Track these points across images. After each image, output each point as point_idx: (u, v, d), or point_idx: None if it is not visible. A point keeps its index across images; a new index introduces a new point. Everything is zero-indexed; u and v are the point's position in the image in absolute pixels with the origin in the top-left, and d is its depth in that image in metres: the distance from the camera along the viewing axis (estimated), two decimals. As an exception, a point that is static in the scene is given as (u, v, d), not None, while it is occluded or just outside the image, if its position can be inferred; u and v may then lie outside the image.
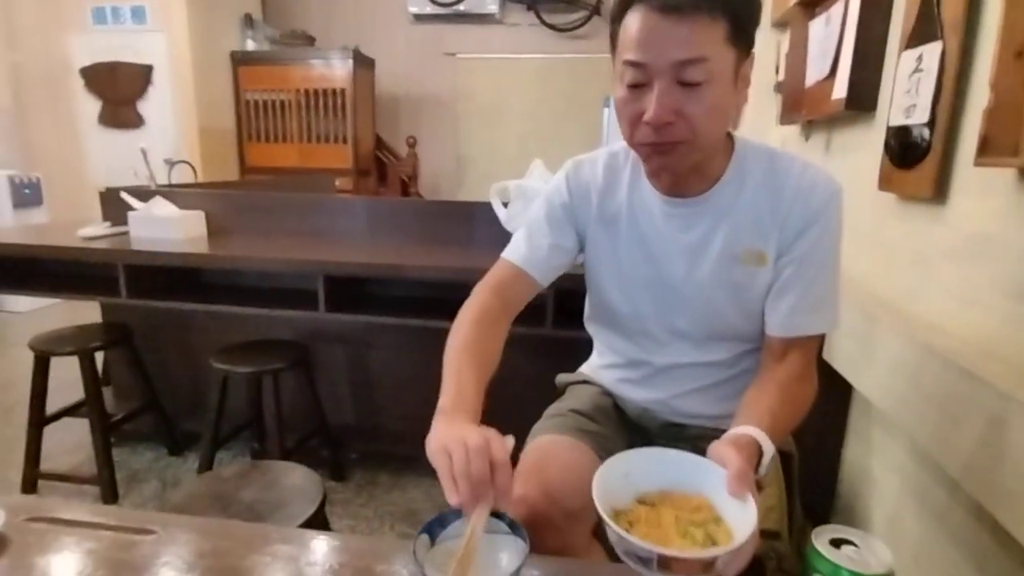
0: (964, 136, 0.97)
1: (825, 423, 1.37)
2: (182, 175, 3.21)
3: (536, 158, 2.03)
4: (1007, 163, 0.83)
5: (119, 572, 0.64)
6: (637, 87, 0.76)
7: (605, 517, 0.56)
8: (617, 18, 0.78)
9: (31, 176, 4.24)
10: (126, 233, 2.19)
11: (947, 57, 1.00)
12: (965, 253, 0.95)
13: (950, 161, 0.99)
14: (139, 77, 4.68)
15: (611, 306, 0.99)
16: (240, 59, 5.05)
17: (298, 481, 1.17)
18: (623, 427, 1.04)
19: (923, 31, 1.08)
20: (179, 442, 2.35)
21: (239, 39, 5.17)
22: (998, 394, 0.73)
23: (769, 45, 2.12)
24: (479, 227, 2.11)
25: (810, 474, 1.04)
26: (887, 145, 1.18)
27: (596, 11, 5.26)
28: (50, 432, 2.07)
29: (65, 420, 2.13)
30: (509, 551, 0.61)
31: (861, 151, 1.35)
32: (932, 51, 1.04)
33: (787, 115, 1.85)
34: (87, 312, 2.42)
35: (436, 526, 0.63)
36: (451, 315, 0.89)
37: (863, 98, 1.31)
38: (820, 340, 0.90)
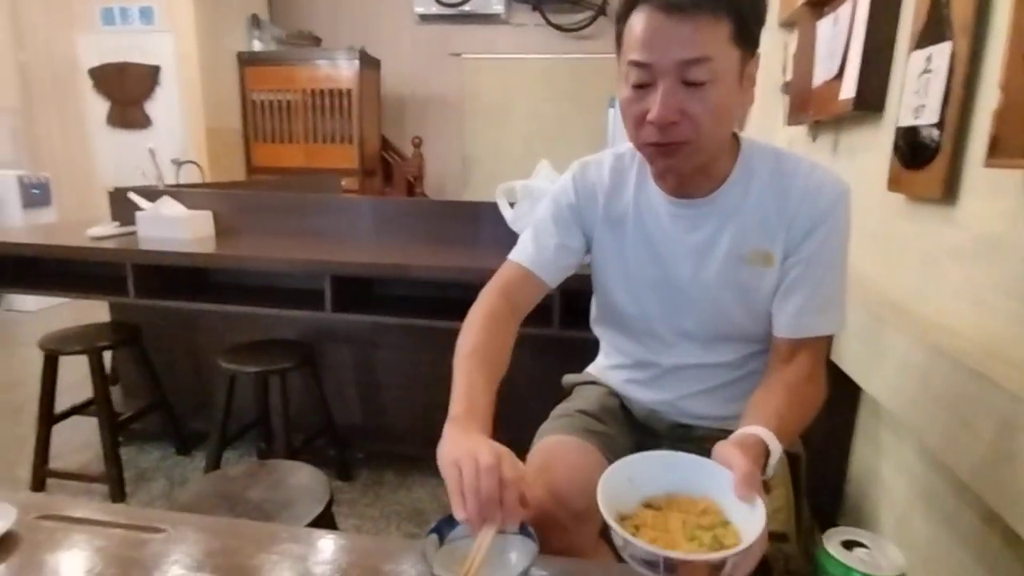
0: (974, 137, 0.96)
1: (833, 424, 1.37)
2: (189, 175, 3.23)
3: (542, 158, 2.03)
4: (1018, 164, 0.82)
5: (129, 570, 0.64)
6: (642, 87, 0.76)
7: (611, 521, 0.55)
8: (622, 19, 0.78)
9: (40, 176, 4.28)
10: (134, 233, 2.21)
11: (957, 58, 0.99)
12: (975, 254, 0.95)
13: (960, 162, 0.99)
14: (147, 78, 4.71)
15: (618, 307, 0.99)
16: (247, 59, 5.07)
17: (305, 481, 1.17)
18: (630, 428, 1.03)
19: (933, 31, 1.08)
20: (186, 441, 2.36)
21: (246, 40, 5.20)
22: (1009, 396, 0.72)
23: (776, 45, 2.12)
24: (485, 227, 2.11)
25: (818, 475, 1.04)
26: (896, 146, 1.17)
27: (602, 11, 5.26)
28: (59, 430, 2.08)
29: (74, 419, 2.15)
30: (518, 551, 0.61)
31: (869, 152, 1.34)
32: (942, 52, 1.04)
33: (794, 116, 1.84)
34: (95, 311, 2.43)
35: (445, 526, 0.63)
36: (457, 315, 0.89)
37: (872, 98, 1.31)
38: (828, 341, 0.89)
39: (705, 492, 0.63)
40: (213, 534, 0.71)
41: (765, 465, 0.66)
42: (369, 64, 5.16)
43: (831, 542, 0.55)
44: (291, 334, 2.16)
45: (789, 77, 1.94)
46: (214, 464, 1.97)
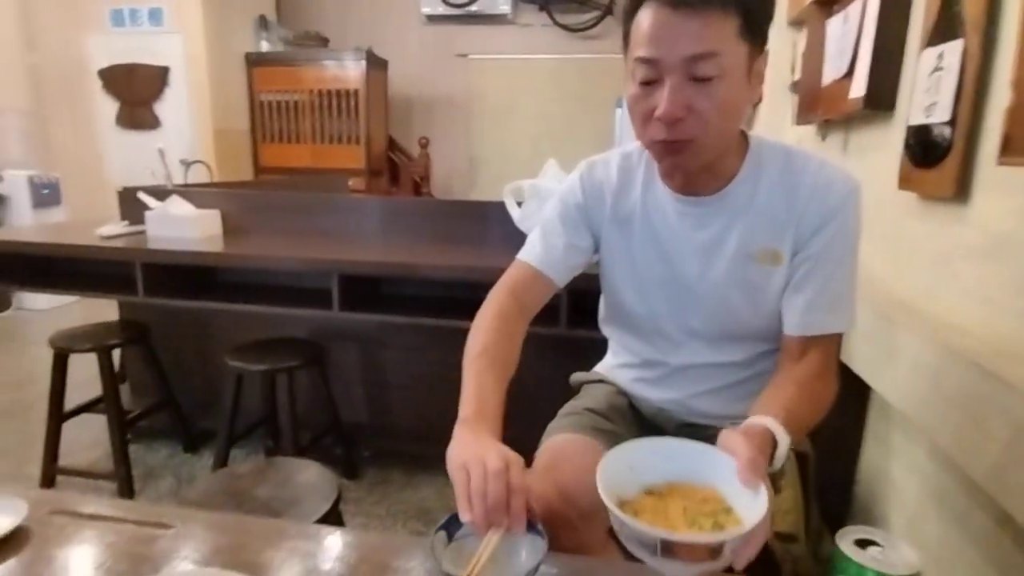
0: (986, 135, 0.95)
1: (842, 425, 1.36)
2: (198, 175, 3.25)
3: (549, 158, 2.03)
4: (1031, 162, 0.82)
5: (138, 565, 0.65)
6: (649, 84, 0.76)
7: (608, 503, 0.54)
8: (629, 15, 0.77)
9: (50, 176, 4.31)
10: (143, 232, 2.22)
11: (968, 55, 0.99)
12: (987, 253, 0.94)
13: (972, 160, 0.98)
14: (156, 78, 4.74)
15: (626, 306, 0.98)
16: (254, 60, 5.10)
17: (313, 478, 1.17)
18: (638, 426, 1.03)
19: (944, 29, 1.07)
20: (194, 439, 2.37)
21: (253, 40, 5.22)
22: (1022, 396, 0.72)
23: (785, 44, 2.11)
24: (492, 227, 2.11)
25: (826, 476, 1.03)
26: (907, 144, 1.16)
27: (608, 11, 5.25)
28: (68, 428, 2.10)
29: (83, 416, 2.16)
30: (528, 548, 0.61)
31: (880, 150, 1.33)
32: (953, 49, 1.03)
33: (803, 115, 1.83)
34: (104, 310, 2.45)
35: (453, 524, 0.63)
36: (464, 314, 0.89)
37: (882, 97, 1.30)
38: (838, 340, 0.89)
39: (708, 480, 0.61)
40: (222, 530, 0.71)
41: (772, 456, 0.65)
42: (376, 65, 5.18)
43: (844, 541, 0.54)
44: (299, 333, 2.17)
45: (798, 76, 1.93)
46: (222, 462, 1.97)
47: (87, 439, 2.35)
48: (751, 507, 0.55)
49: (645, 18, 0.74)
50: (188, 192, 2.34)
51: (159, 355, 2.24)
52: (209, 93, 4.71)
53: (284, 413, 2.00)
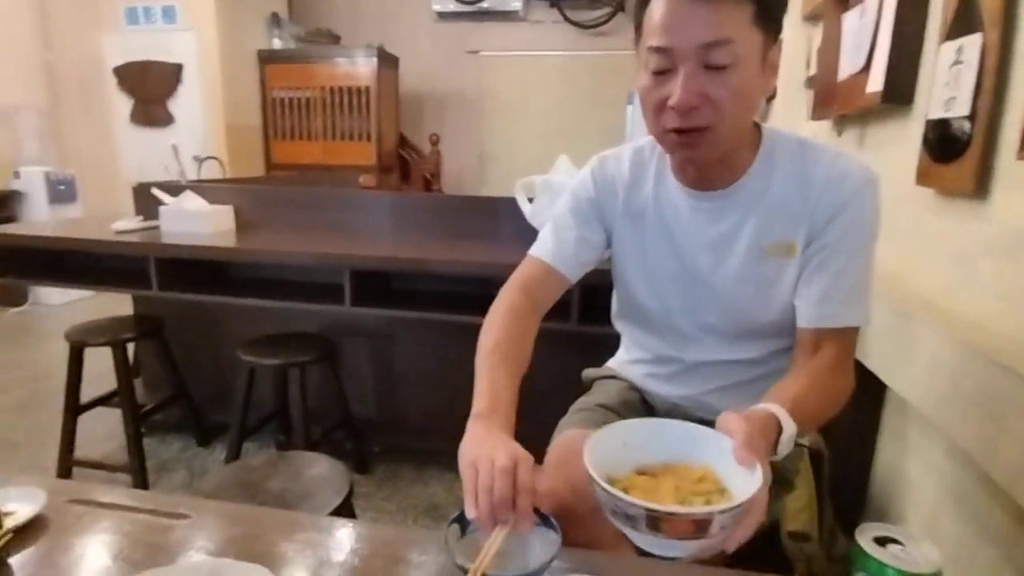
0: (1006, 130, 0.93)
1: (857, 423, 1.34)
2: (210, 171, 3.27)
3: (561, 154, 2.02)
4: (1053, 156, 0.80)
5: (154, 554, 0.65)
6: (662, 73, 0.75)
7: (592, 474, 0.53)
8: (642, 5, 0.77)
9: (66, 173, 4.36)
10: (157, 227, 2.24)
11: (987, 49, 0.97)
12: (1007, 249, 0.92)
13: (992, 155, 0.96)
14: (169, 76, 4.78)
15: (638, 301, 0.98)
16: (267, 57, 5.12)
17: (324, 472, 1.18)
18: (650, 423, 1.02)
19: (963, 23, 1.05)
20: (207, 432, 2.39)
21: (266, 38, 5.25)
22: (1044, 394, 0.70)
23: (800, 39, 2.08)
24: (503, 222, 2.11)
25: (841, 475, 1.02)
26: (925, 139, 1.15)
27: (620, 7, 5.23)
28: (83, 421, 2.12)
29: (98, 409, 2.19)
30: (541, 543, 0.61)
31: (897, 145, 1.31)
32: (973, 43, 1.01)
33: (819, 110, 1.81)
34: (119, 305, 2.48)
35: (465, 518, 0.63)
36: (476, 310, 0.89)
37: (900, 91, 1.28)
38: (854, 336, 0.87)
39: (705, 462, 0.60)
40: (236, 521, 0.72)
41: (776, 442, 0.64)
42: (387, 62, 5.19)
43: (864, 538, 0.53)
44: (310, 327, 2.18)
45: (813, 71, 1.91)
46: (234, 455, 1.99)
47: (102, 432, 2.38)
48: (746, 487, 0.53)
49: (658, 7, 0.73)
50: (201, 188, 2.36)
51: (172, 349, 2.26)
52: (222, 90, 4.74)
53: (295, 407, 2.01)
